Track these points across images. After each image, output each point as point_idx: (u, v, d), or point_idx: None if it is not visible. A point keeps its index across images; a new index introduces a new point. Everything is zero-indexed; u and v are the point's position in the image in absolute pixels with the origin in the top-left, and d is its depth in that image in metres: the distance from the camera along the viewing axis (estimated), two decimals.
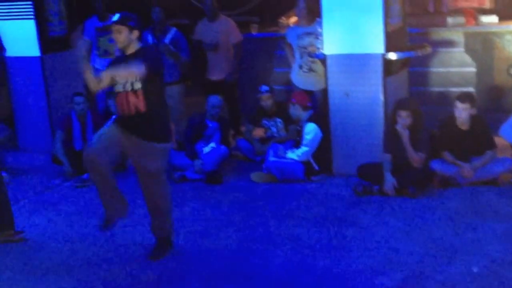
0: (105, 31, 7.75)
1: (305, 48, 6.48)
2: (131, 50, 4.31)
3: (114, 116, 6.35)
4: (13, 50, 7.39)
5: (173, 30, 7.13)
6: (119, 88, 4.31)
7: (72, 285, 4.22)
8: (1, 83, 7.39)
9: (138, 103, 4.25)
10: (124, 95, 4.28)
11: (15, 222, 5.33)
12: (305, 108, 6.06)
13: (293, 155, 6.00)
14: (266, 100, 6.62)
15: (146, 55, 4.26)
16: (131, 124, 4.32)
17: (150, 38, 7.06)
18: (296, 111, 6.07)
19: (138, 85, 4.22)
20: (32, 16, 7.26)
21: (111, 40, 7.84)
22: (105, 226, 4.58)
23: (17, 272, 4.43)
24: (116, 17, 4.29)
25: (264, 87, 6.67)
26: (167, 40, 7.05)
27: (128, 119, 4.32)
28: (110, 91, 7.09)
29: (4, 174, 6.43)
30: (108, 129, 4.46)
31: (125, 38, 4.25)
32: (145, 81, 4.21)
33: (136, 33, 4.29)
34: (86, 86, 7.91)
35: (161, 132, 4.40)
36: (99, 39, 7.73)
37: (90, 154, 4.32)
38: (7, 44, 7.39)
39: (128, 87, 4.24)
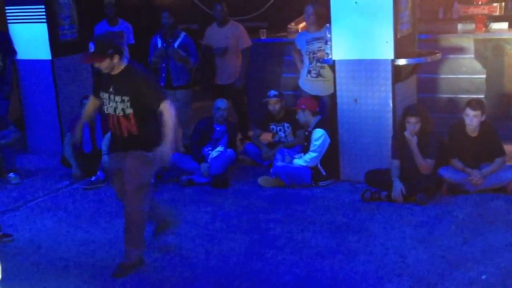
0: (114, 35, 7.85)
1: (314, 53, 6.50)
2: (116, 71, 4.25)
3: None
4: (24, 53, 7.44)
5: (183, 35, 7.17)
6: (109, 110, 4.28)
7: (81, 286, 4.23)
8: (11, 86, 7.43)
9: (130, 127, 4.24)
10: (115, 117, 4.26)
11: (25, 223, 5.43)
12: (314, 113, 6.06)
13: (300, 161, 6.00)
14: (274, 105, 6.62)
15: (133, 76, 4.22)
16: (124, 144, 4.31)
17: (160, 42, 7.11)
18: (306, 117, 6.06)
19: (129, 111, 4.20)
20: (44, 20, 7.30)
21: (121, 44, 7.94)
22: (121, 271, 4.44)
23: (24, 273, 4.44)
24: (92, 48, 4.22)
25: (273, 92, 6.68)
26: (176, 44, 7.09)
27: (120, 139, 4.31)
28: None
29: (13, 175, 6.53)
30: (111, 170, 4.54)
31: (107, 65, 4.20)
32: (137, 104, 4.18)
33: (116, 57, 4.20)
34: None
35: (152, 143, 4.28)
36: None
37: (117, 195, 4.52)
38: (18, 47, 7.45)
39: (119, 112, 4.22)
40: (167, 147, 4.21)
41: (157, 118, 4.31)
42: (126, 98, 4.19)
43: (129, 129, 4.24)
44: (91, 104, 4.58)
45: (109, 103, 4.26)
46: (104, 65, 4.20)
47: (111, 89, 4.24)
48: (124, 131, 4.25)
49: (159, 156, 4.23)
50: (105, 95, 4.29)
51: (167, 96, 4.40)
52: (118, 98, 4.21)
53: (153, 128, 4.28)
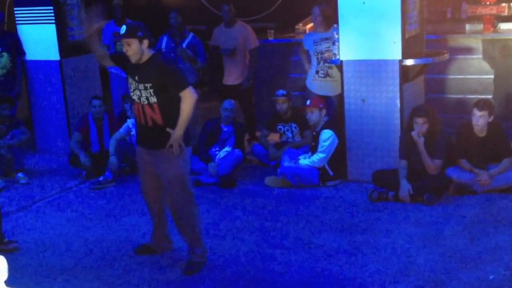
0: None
1: (321, 53, 6.51)
2: (143, 59, 4.23)
3: (131, 121, 6.44)
4: (33, 54, 7.49)
5: (191, 35, 7.22)
6: (134, 96, 4.27)
7: (88, 285, 4.25)
8: (20, 86, 7.47)
9: (154, 116, 4.20)
10: (140, 105, 4.24)
11: (33, 222, 5.46)
12: (324, 113, 6.07)
13: (306, 161, 6.01)
14: (282, 104, 6.63)
15: (157, 64, 4.20)
16: (149, 136, 4.29)
17: (167, 42, 7.14)
18: (318, 117, 6.04)
19: (153, 99, 4.17)
20: (52, 21, 7.34)
21: None
22: (139, 251, 4.66)
23: (33, 272, 4.46)
24: (123, 29, 4.20)
25: (281, 91, 6.70)
26: (184, 44, 7.14)
27: (146, 129, 4.28)
28: (125, 95, 7.21)
29: (22, 175, 6.57)
30: (139, 163, 4.47)
31: (136, 49, 4.17)
32: (160, 92, 4.15)
33: (146, 42, 4.19)
34: (102, 90, 8.04)
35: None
36: (116, 43, 7.83)
37: (144, 194, 4.54)
38: (27, 48, 7.50)
39: (144, 101, 4.20)
40: (178, 133, 4.17)
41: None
42: (148, 85, 4.16)
43: (153, 118, 4.20)
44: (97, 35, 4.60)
45: (134, 91, 4.24)
46: (132, 49, 4.15)
47: (136, 77, 4.22)
48: (149, 121, 4.22)
49: (171, 142, 4.19)
50: (132, 81, 4.27)
51: (190, 83, 4.31)
52: (141, 86, 4.18)
53: (178, 117, 4.21)
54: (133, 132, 6.57)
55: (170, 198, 4.35)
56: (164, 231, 4.63)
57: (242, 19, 7.58)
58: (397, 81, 5.69)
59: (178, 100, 4.19)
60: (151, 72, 4.16)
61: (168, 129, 4.19)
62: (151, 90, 4.15)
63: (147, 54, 4.23)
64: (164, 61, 4.30)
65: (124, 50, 4.22)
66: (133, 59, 4.21)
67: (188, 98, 4.16)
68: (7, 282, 1.57)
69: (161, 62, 4.25)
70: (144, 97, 4.18)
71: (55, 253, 4.78)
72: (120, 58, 4.48)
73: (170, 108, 4.19)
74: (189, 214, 4.35)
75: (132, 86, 4.28)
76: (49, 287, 4.28)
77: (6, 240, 4.76)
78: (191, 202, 4.36)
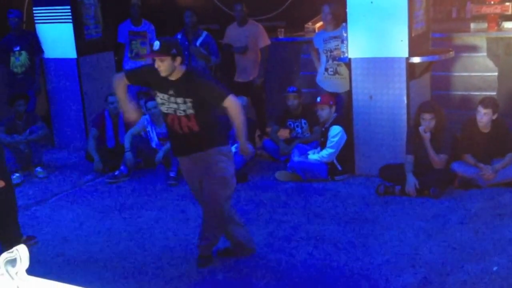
0: (138, 35, 8.02)
1: (331, 51, 6.58)
2: (175, 76, 4.06)
3: (146, 117, 6.58)
4: (51, 52, 7.54)
5: (204, 34, 7.32)
6: (168, 110, 4.12)
7: (105, 277, 4.26)
8: (39, 83, 7.56)
9: (190, 124, 4.09)
10: (176, 117, 4.11)
11: (51, 215, 5.51)
12: (334, 110, 6.15)
13: (315, 156, 6.08)
14: (293, 100, 6.70)
15: (193, 81, 4.06)
16: (186, 142, 4.18)
17: (181, 40, 7.23)
18: (328, 113, 6.10)
19: (191, 111, 4.06)
20: (69, 20, 7.39)
21: (144, 44, 8.12)
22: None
23: (51, 264, 4.48)
24: (156, 45, 4.00)
25: (292, 88, 6.79)
26: (198, 43, 7.24)
27: (181, 137, 4.17)
28: (140, 92, 7.35)
29: (40, 170, 6.69)
30: (184, 172, 4.39)
31: (168, 66, 3.99)
32: (198, 105, 4.04)
33: (179, 60, 4.01)
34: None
35: (216, 138, 4.20)
36: (132, 42, 7.98)
37: (199, 201, 4.44)
38: (45, 47, 7.56)
39: (181, 113, 4.08)
40: (243, 139, 4.16)
41: (216, 113, 4.19)
42: (188, 100, 4.04)
43: (189, 126, 4.10)
44: (123, 83, 4.28)
45: (168, 104, 4.10)
46: (164, 66, 3.99)
47: (171, 92, 4.06)
48: (184, 128, 4.11)
49: (240, 149, 4.23)
50: (164, 96, 4.11)
51: (229, 91, 4.18)
52: (180, 100, 4.05)
53: (213, 124, 4.17)
54: (148, 128, 6.73)
55: (210, 197, 4.23)
56: (227, 229, 4.44)
57: (253, 18, 7.64)
58: (404, 78, 5.73)
59: (213, 107, 4.13)
60: (189, 88, 4.04)
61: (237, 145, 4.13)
62: (190, 104, 4.04)
63: (179, 70, 4.06)
64: (199, 77, 4.15)
65: (155, 65, 4.05)
66: (163, 74, 4.04)
67: (232, 108, 4.06)
68: (27, 272, 1.64)
69: (197, 78, 4.11)
70: (182, 110, 4.07)
71: (72, 245, 4.83)
72: (140, 80, 4.34)
73: (206, 115, 4.13)
74: (224, 213, 4.26)
75: (163, 100, 4.13)
76: (67, 277, 4.08)
77: (24, 237, 4.74)
78: (228, 203, 4.29)
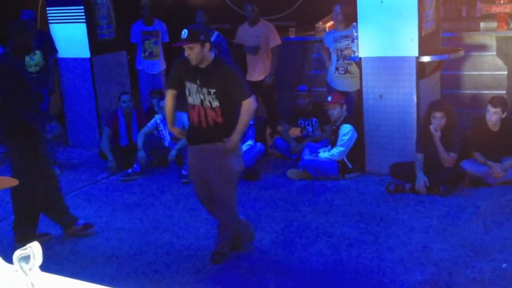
0: (151, 34, 8.10)
1: (341, 51, 6.61)
2: (205, 63, 4.11)
3: (159, 116, 6.65)
4: (64, 51, 7.60)
5: (216, 34, 7.35)
6: (196, 100, 4.15)
7: (117, 274, 4.32)
8: (53, 83, 7.61)
9: (216, 116, 4.14)
10: (202, 108, 4.14)
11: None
12: (345, 108, 6.18)
13: (326, 154, 6.12)
14: (304, 98, 6.74)
15: (221, 69, 4.09)
16: (206, 133, 4.20)
17: None
18: (339, 112, 6.14)
19: (216, 103, 4.11)
20: (83, 20, 7.44)
21: (156, 43, 8.20)
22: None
23: (65, 261, 4.53)
24: (184, 34, 4.04)
25: (303, 87, 6.83)
26: None
27: (204, 129, 4.19)
28: (153, 91, 7.42)
29: (55, 168, 6.80)
30: (190, 164, 4.41)
31: (198, 53, 4.04)
32: (223, 98, 4.10)
33: (208, 46, 4.06)
34: (131, 86, 8.19)
35: (231, 130, 4.23)
36: (145, 41, 8.05)
37: (198, 197, 4.49)
38: (59, 46, 7.62)
39: (207, 104, 4.12)
40: (235, 137, 4.17)
41: (238, 108, 4.22)
42: (212, 91, 4.08)
43: (214, 119, 4.14)
44: (170, 97, 4.35)
45: (195, 95, 4.15)
46: (194, 54, 4.03)
47: (198, 81, 4.11)
48: (210, 122, 4.14)
49: (227, 145, 4.17)
50: (192, 86, 4.16)
51: (252, 92, 4.25)
52: (205, 90, 4.10)
53: (236, 118, 4.20)
54: (161, 127, 6.79)
55: (217, 193, 4.29)
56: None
57: (264, 18, 7.68)
58: (414, 77, 5.76)
59: (238, 103, 4.19)
60: (215, 77, 4.08)
61: (224, 140, 4.15)
62: (214, 96, 4.09)
63: (209, 57, 4.11)
64: (227, 65, 4.19)
65: (185, 54, 4.10)
66: (194, 62, 4.09)
67: (247, 109, 4.13)
68: (41, 268, 1.64)
69: (225, 65, 4.16)
70: (207, 101, 4.12)
71: (86, 242, 4.88)
72: (179, 79, 4.28)
73: (232, 110, 4.19)
74: (233, 208, 4.34)
75: (191, 90, 4.17)
76: (81, 274, 4.21)
77: (38, 234, 4.79)
78: (235, 199, 4.35)
